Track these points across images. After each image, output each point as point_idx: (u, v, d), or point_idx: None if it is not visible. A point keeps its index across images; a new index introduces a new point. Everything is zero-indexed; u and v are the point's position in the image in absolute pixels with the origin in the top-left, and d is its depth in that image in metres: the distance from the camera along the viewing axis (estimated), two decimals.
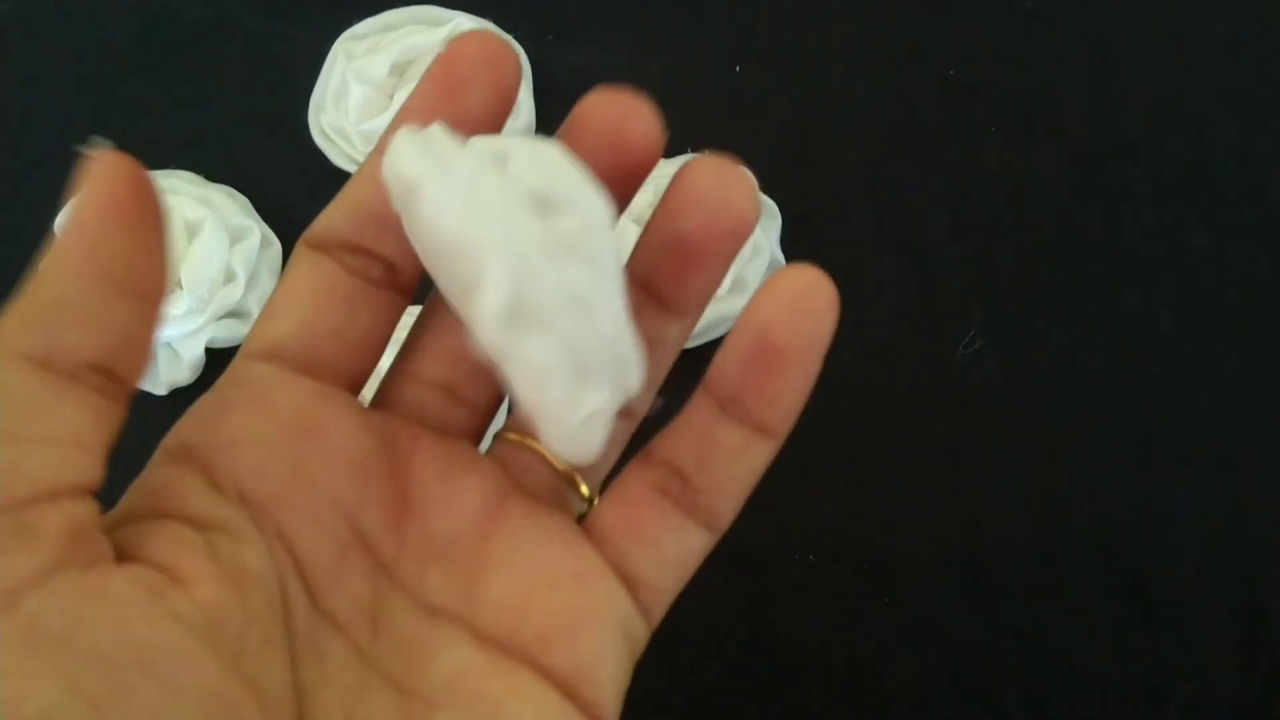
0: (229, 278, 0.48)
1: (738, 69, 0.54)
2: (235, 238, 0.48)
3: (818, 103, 0.54)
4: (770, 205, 0.50)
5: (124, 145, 0.47)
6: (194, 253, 0.46)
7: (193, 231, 0.47)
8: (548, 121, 0.52)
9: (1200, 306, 0.50)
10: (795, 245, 0.50)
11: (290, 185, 0.52)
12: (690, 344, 0.48)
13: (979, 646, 0.46)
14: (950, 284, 0.51)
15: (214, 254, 0.47)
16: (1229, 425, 0.48)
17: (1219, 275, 0.50)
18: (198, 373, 0.48)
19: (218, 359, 0.48)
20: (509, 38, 0.50)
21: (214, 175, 0.52)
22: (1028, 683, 0.45)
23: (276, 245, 0.50)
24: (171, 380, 0.48)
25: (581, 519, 0.25)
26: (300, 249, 0.24)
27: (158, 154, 0.51)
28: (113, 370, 0.21)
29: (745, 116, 0.54)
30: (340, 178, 0.50)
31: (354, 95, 0.49)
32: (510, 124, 0.49)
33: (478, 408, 0.26)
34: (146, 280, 0.21)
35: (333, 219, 0.24)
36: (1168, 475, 0.48)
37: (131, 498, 0.23)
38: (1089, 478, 0.48)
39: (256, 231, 0.49)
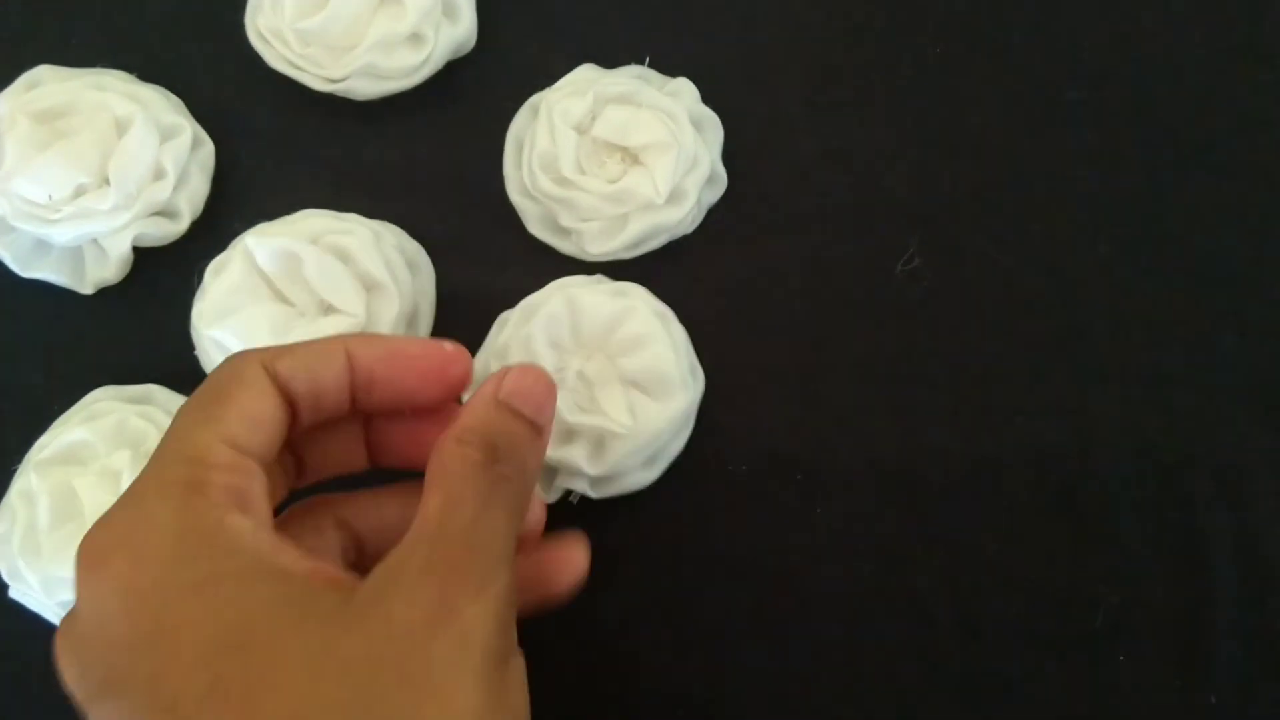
0: (158, 175, 0.47)
1: None
2: (166, 135, 0.47)
3: (762, 15, 0.54)
4: (712, 117, 0.50)
5: (57, 44, 0.47)
6: (122, 148, 0.46)
7: (122, 127, 0.46)
8: (490, 28, 0.52)
9: (1137, 230, 0.50)
10: (736, 158, 0.50)
11: (225, 86, 0.51)
12: (628, 255, 0.48)
13: (908, 558, 0.46)
14: (891, 200, 0.51)
15: (143, 150, 0.46)
16: (1161, 344, 0.48)
17: (1156, 200, 0.50)
18: (125, 271, 0.48)
19: (144, 258, 0.48)
20: None
21: (147, 76, 0.51)
22: (956, 592, 0.45)
23: (209, 145, 0.49)
24: (98, 279, 0.48)
25: None
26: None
27: (90, 54, 0.50)
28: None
29: (685, 27, 0.53)
30: (275, 79, 0.50)
31: None
32: (450, 26, 0.49)
33: None
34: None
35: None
36: (1100, 392, 0.48)
37: None
38: (1023, 394, 0.48)
39: (188, 130, 0.48)
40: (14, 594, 0.43)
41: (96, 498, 0.41)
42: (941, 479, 0.47)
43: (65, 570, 0.41)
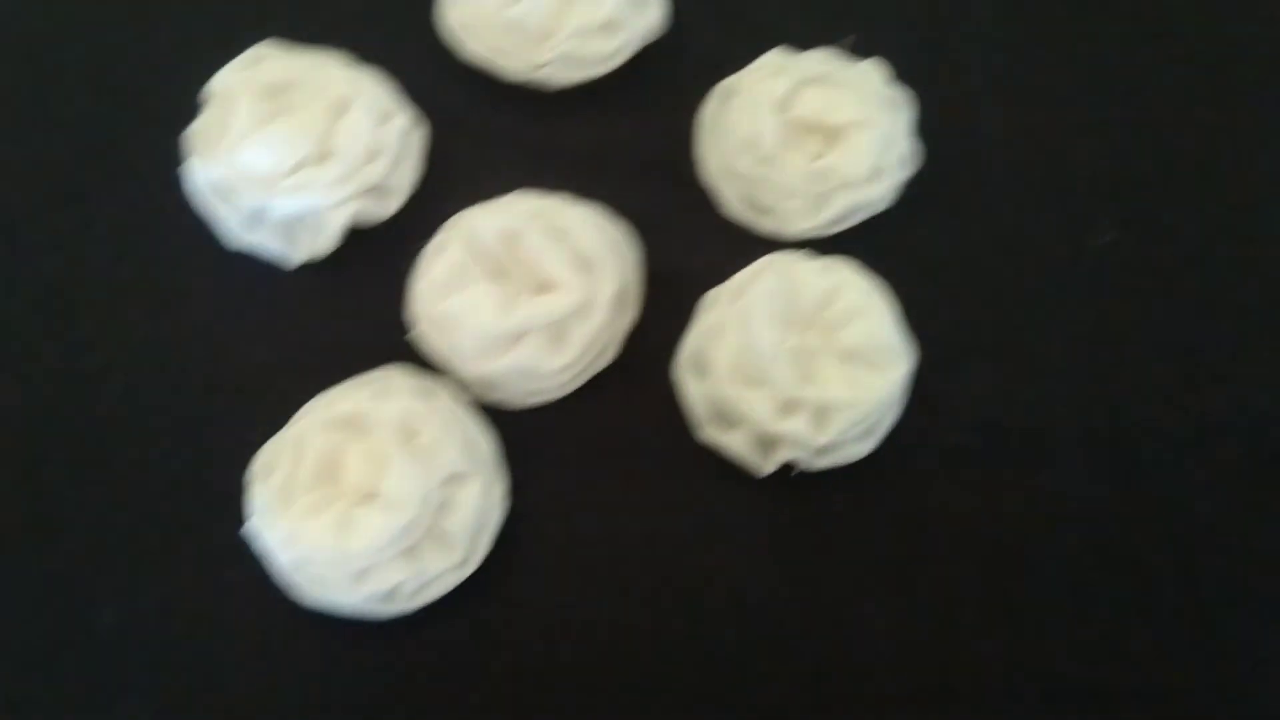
0: (374, 154, 0.48)
1: None
2: (383, 116, 0.48)
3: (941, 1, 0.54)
4: (901, 96, 0.51)
5: (264, 30, 0.48)
6: (345, 125, 0.47)
7: (342, 106, 0.47)
8: (679, 13, 0.53)
9: None
10: (929, 136, 0.51)
11: (424, 74, 0.52)
12: (827, 232, 0.48)
13: (1127, 524, 0.45)
14: (1083, 175, 0.51)
15: (362, 129, 0.47)
16: None
17: None
18: (335, 246, 0.48)
19: (354, 238, 0.48)
20: None
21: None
22: (1177, 556, 0.45)
23: (422, 130, 0.50)
24: (309, 252, 0.48)
25: None
26: None
27: (296, 39, 0.51)
28: None
29: (871, 9, 0.54)
30: (472, 70, 0.51)
31: None
32: (641, 15, 0.50)
33: None
34: None
35: None
36: None
37: None
38: (1229, 363, 0.48)
39: (405, 112, 0.49)
40: (251, 528, 0.43)
41: (358, 471, 0.42)
42: (1155, 446, 0.47)
43: (306, 529, 0.41)
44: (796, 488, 0.45)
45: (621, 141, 0.52)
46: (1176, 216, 0.51)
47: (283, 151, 0.46)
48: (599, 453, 0.46)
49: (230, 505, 0.44)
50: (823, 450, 0.45)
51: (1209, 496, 0.46)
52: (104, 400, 0.47)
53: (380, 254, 0.49)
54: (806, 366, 0.45)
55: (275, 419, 0.45)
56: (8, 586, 0.44)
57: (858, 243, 0.49)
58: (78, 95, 0.52)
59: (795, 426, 0.44)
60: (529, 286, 0.46)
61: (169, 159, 0.49)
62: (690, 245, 0.50)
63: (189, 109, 0.49)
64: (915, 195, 0.50)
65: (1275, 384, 0.48)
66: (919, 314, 0.47)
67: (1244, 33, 0.53)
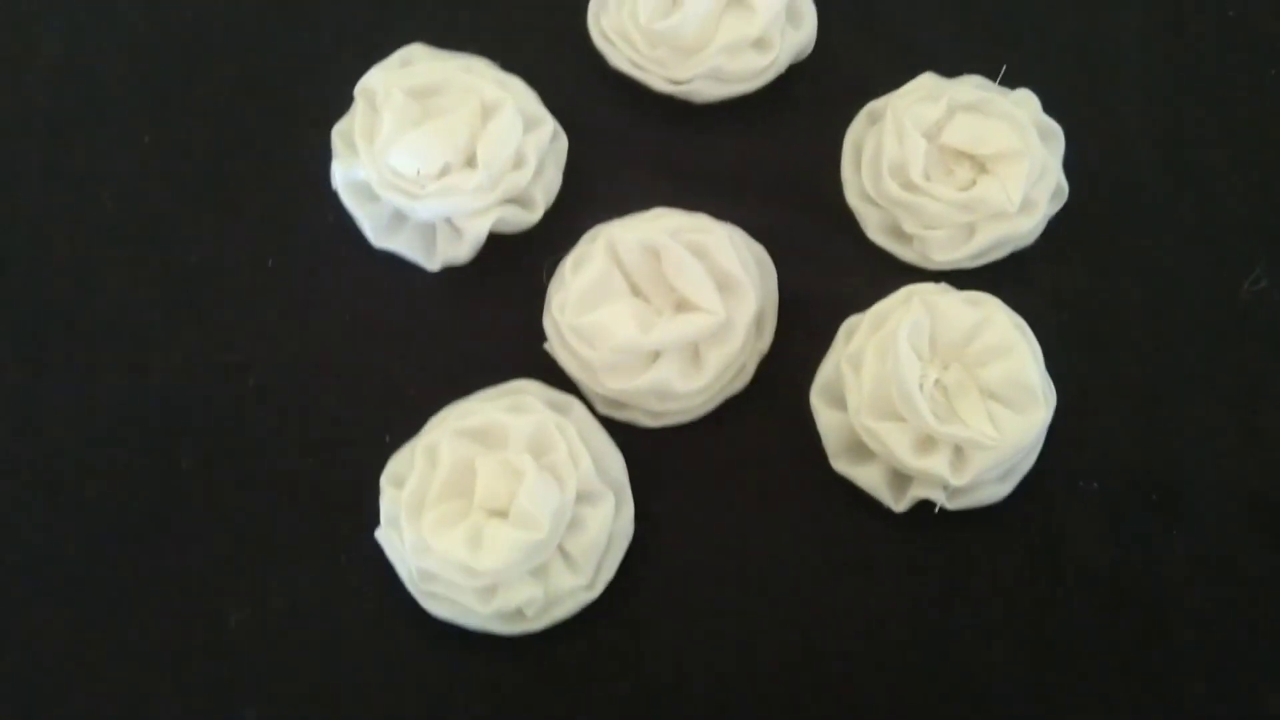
0: (519, 163, 0.47)
1: None
2: (529, 125, 0.48)
3: (1097, 31, 0.53)
4: (1054, 127, 0.49)
5: (413, 34, 0.48)
6: (491, 131, 0.47)
7: (489, 112, 0.47)
8: (824, 34, 0.52)
9: None
10: (1077, 169, 0.49)
11: (568, 83, 0.52)
12: (972, 264, 0.47)
13: (1270, 579, 0.44)
14: (1236, 217, 0.50)
15: (509, 136, 0.47)
16: None
17: None
18: (475, 252, 0.48)
19: (489, 243, 0.48)
20: None
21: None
22: None
23: (564, 138, 0.50)
24: (448, 258, 0.48)
25: None
26: None
27: (441, 44, 0.51)
28: None
29: (1024, 41, 0.53)
30: (617, 80, 0.51)
31: None
32: (793, 31, 0.49)
33: None
34: None
35: None
36: None
37: None
38: None
39: (550, 122, 0.48)
40: (381, 535, 0.43)
41: (490, 485, 0.42)
42: None
43: (437, 542, 0.41)
44: (929, 526, 0.44)
45: (765, 160, 0.51)
46: None
47: (429, 156, 0.46)
48: (729, 478, 0.46)
49: (361, 510, 0.44)
50: (959, 491, 0.44)
51: None
52: (240, 398, 0.47)
53: (519, 262, 0.49)
54: (947, 403, 0.44)
55: (409, 424, 0.45)
56: (137, 584, 0.45)
57: (1000, 276, 0.48)
58: (225, 89, 0.53)
59: (933, 465, 0.43)
60: (668, 304, 0.46)
61: (316, 156, 0.49)
62: (829, 269, 0.49)
63: (338, 106, 0.49)
64: (1061, 231, 0.49)
65: None
66: (1059, 354, 0.46)
67: None
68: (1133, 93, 0.52)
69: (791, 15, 0.51)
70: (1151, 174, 0.51)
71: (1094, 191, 0.50)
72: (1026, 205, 0.48)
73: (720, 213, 0.49)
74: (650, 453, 0.46)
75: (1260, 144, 0.51)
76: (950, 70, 0.51)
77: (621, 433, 0.46)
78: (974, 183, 0.48)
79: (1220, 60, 0.52)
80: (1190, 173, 0.51)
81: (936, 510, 0.44)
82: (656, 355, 0.45)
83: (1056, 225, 0.49)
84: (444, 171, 0.47)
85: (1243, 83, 0.52)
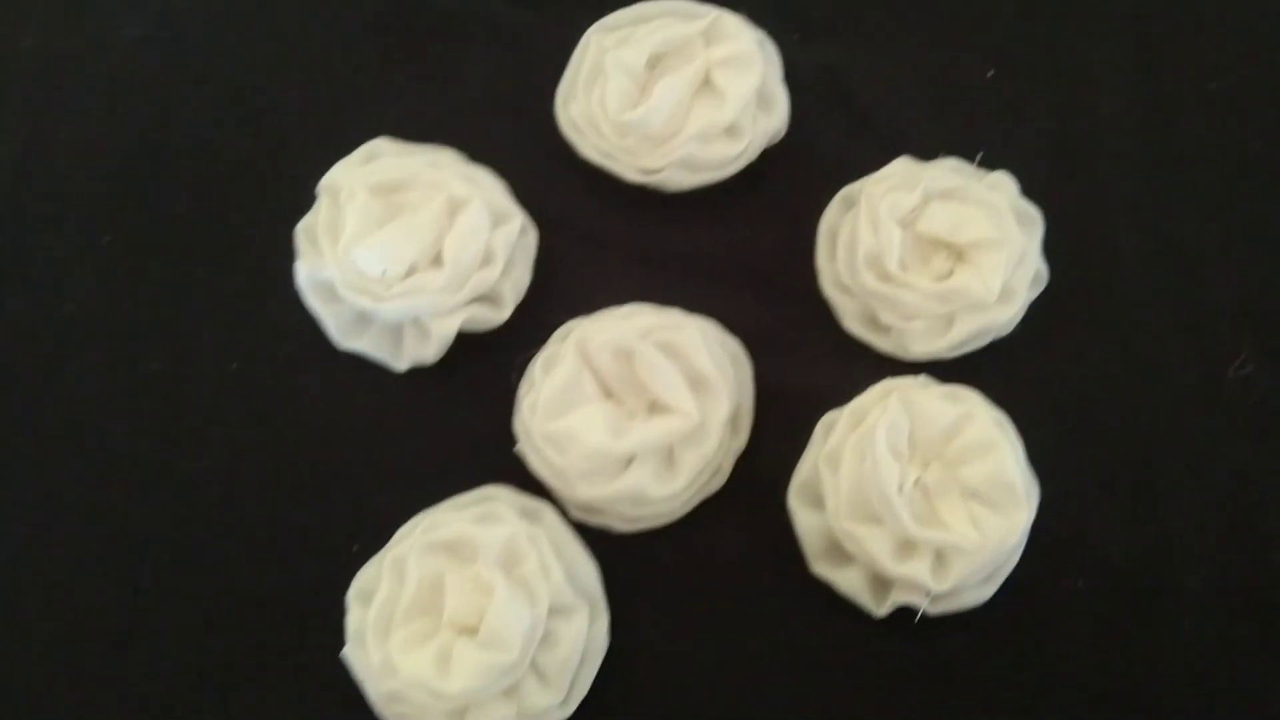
0: (487, 259, 0.46)
1: (991, 73, 0.53)
2: (497, 220, 0.47)
3: (1075, 111, 0.52)
4: (1033, 212, 0.49)
5: (377, 127, 0.47)
6: (458, 230, 0.46)
7: (457, 208, 0.46)
8: (799, 117, 0.51)
9: None
10: (1057, 254, 0.48)
11: (537, 174, 0.51)
12: (952, 354, 0.46)
13: (1262, 677, 0.43)
14: (1219, 300, 0.49)
15: (477, 233, 0.46)
16: None
17: None
18: (443, 352, 0.47)
19: (461, 343, 0.47)
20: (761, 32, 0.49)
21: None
22: None
23: (534, 232, 0.49)
24: (415, 357, 0.47)
25: None
26: None
27: (409, 135, 0.50)
28: None
29: (1001, 122, 0.52)
30: (586, 170, 0.50)
31: (613, 84, 0.48)
32: (764, 117, 0.48)
33: None
34: None
35: None
36: None
37: None
38: None
39: (518, 217, 0.48)
40: (347, 654, 0.42)
41: (460, 602, 0.40)
42: None
43: (404, 663, 0.40)
44: (911, 629, 0.43)
45: (740, 248, 0.50)
46: None
47: (394, 256, 0.45)
48: (706, 582, 0.45)
49: (329, 626, 0.43)
50: (940, 597, 0.43)
51: None
52: (204, 506, 0.46)
53: (489, 360, 0.48)
54: (927, 504, 0.43)
55: (378, 532, 0.44)
56: (102, 698, 0.43)
57: (981, 365, 0.47)
58: (187, 188, 0.52)
59: (914, 570, 0.42)
60: (641, 405, 0.45)
61: (281, 254, 0.48)
62: (806, 361, 0.48)
63: (304, 201, 0.48)
64: (1043, 316, 0.48)
65: None
66: (1043, 445, 0.45)
67: None
68: (1114, 172, 0.51)
69: (763, 100, 0.50)
70: (1134, 256, 0.50)
71: (1075, 275, 0.49)
72: (1005, 294, 0.47)
73: (694, 304, 0.48)
74: (626, 558, 0.45)
75: (1244, 223, 0.50)
76: (927, 152, 0.50)
77: (596, 538, 0.45)
78: (951, 271, 0.47)
79: (1203, 137, 0.51)
80: (1173, 254, 0.50)
81: (918, 617, 0.42)
82: (630, 459, 0.44)
83: (1037, 310, 0.48)
84: (410, 271, 0.46)
85: (1226, 160, 0.51)
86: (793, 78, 0.52)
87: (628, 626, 0.44)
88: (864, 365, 0.47)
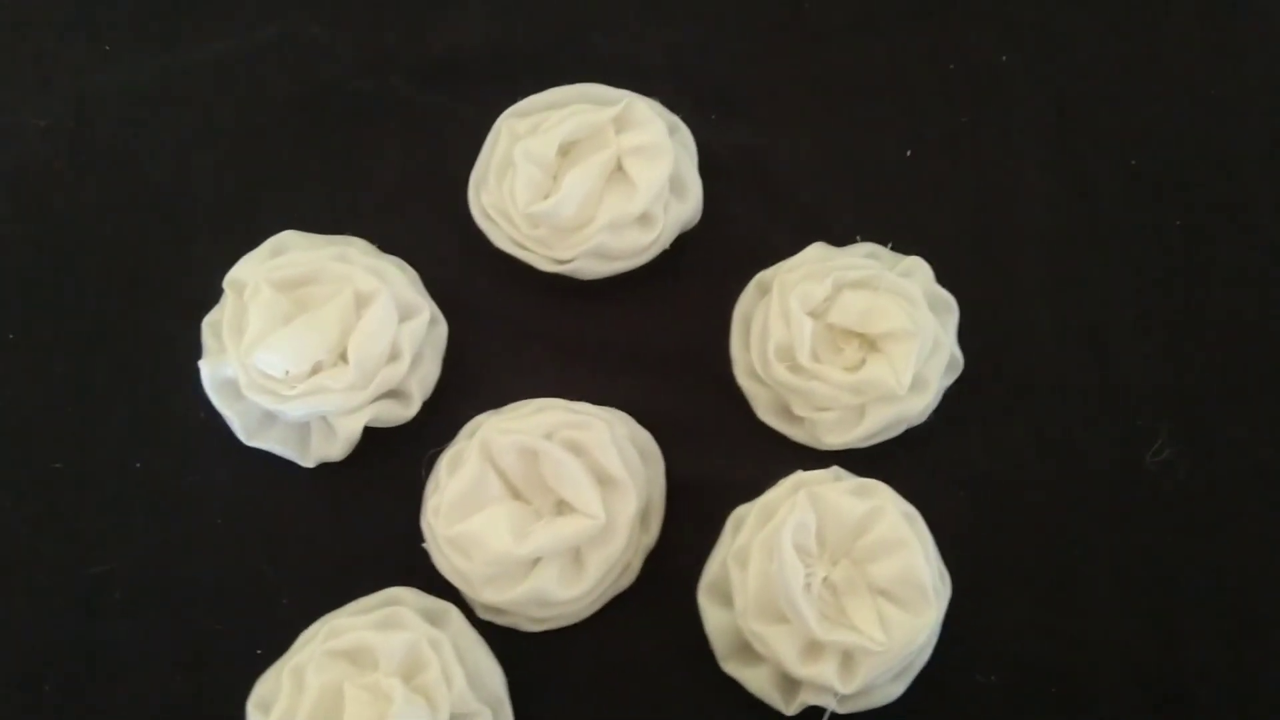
0: (394, 355, 0.46)
1: (909, 154, 0.52)
2: (405, 314, 0.47)
3: (994, 191, 0.52)
4: (947, 298, 0.48)
5: (288, 217, 0.47)
6: (364, 326, 0.45)
7: (363, 302, 0.46)
8: (715, 201, 0.51)
9: None
10: (972, 339, 0.48)
11: (450, 262, 0.50)
12: (865, 444, 0.46)
13: None
14: (1137, 384, 0.49)
15: (383, 330, 0.45)
16: None
17: None
18: (350, 449, 0.47)
19: (370, 437, 0.47)
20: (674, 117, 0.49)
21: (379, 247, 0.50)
22: None
23: (443, 325, 0.48)
24: (322, 454, 0.47)
25: None
26: None
27: (320, 224, 0.49)
28: None
29: (918, 203, 0.52)
30: (500, 259, 0.49)
31: (521, 175, 0.48)
32: (678, 204, 0.48)
33: None
34: None
35: None
36: None
37: None
38: None
39: (426, 310, 0.47)
40: None
41: (359, 712, 0.40)
42: (1206, 687, 0.44)
43: None
44: None
45: (654, 336, 0.50)
46: (1238, 431, 0.47)
47: (298, 355, 0.45)
48: (616, 681, 0.45)
49: None
50: (850, 696, 0.42)
51: None
52: (107, 609, 0.46)
53: (398, 456, 0.47)
54: (836, 602, 0.42)
55: (283, 634, 0.44)
56: None
57: (895, 454, 0.47)
58: (91, 283, 0.51)
59: (821, 671, 0.41)
60: (548, 505, 0.44)
61: (187, 349, 0.48)
62: (720, 452, 0.48)
63: (211, 297, 0.48)
64: (959, 403, 0.48)
65: None
66: (957, 536, 0.45)
67: None
68: (1031, 254, 0.51)
69: (676, 187, 0.50)
70: (1050, 339, 0.50)
71: (992, 360, 0.49)
72: (918, 384, 0.46)
73: (607, 395, 0.47)
74: (535, 658, 0.45)
75: (1162, 304, 0.50)
76: (844, 235, 0.50)
77: (504, 637, 0.44)
78: (864, 361, 0.47)
79: (1122, 216, 0.51)
80: (1090, 337, 0.49)
81: (826, 717, 0.42)
82: (536, 560, 0.43)
83: (953, 397, 0.48)
84: (315, 369, 0.45)
85: (1146, 239, 0.51)
86: (709, 160, 0.51)
87: None
88: (778, 455, 0.47)
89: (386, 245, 0.50)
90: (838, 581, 0.43)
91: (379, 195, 0.52)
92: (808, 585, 0.42)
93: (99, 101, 0.54)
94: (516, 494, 0.44)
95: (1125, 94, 0.54)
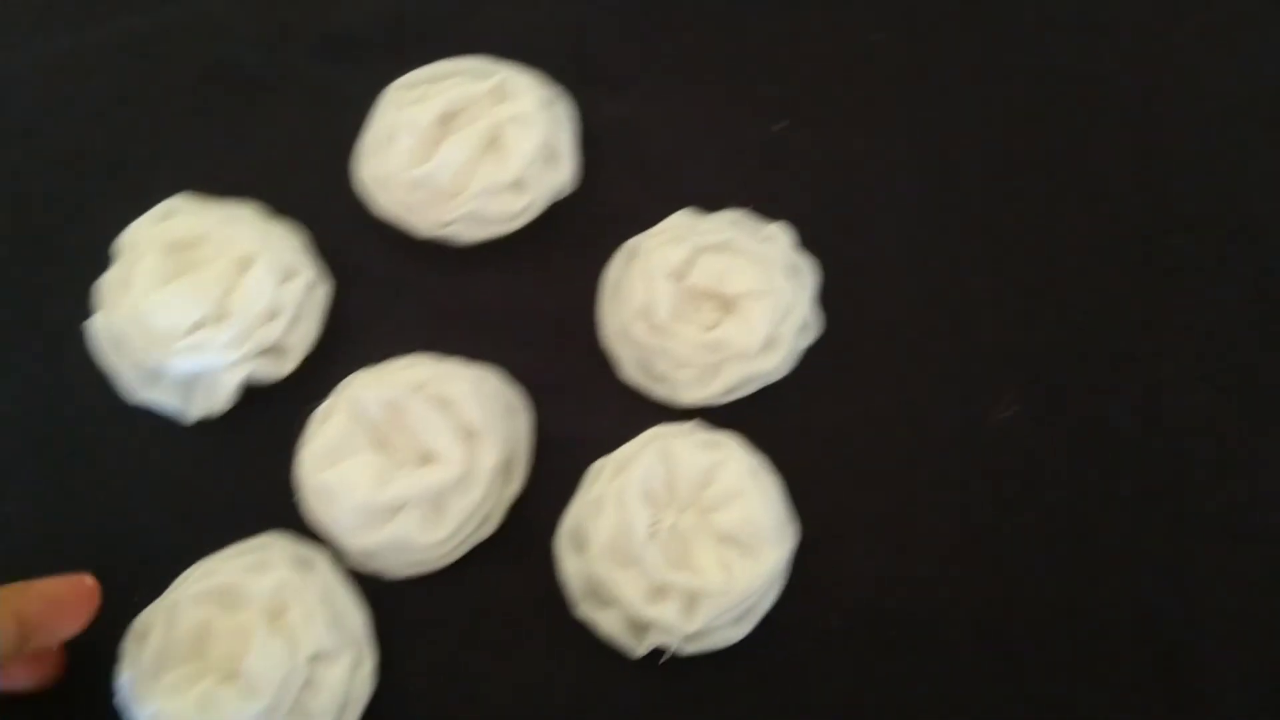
0: (273, 314, 0.48)
1: (780, 126, 0.55)
2: (285, 275, 0.49)
3: (859, 161, 0.54)
4: (804, 264, 0.50)
5: (184, 183, 0.49)
6: (244, 286, 0.47)
7: (245, 264, 0.48)
8: (594, 170, 0.53)
9: (1243, 383, 0.49)
10: (833, 303, 0.50)
11: (337, 227, 0.53)
12: (722, 400, 0.48)
13: (1008, 703, 0.45)
14: (989, 346, 0.51)
15: (261, 291, 0.48)
16: (1269, 502, 0.47)
17: (1261, 351, 0.49)
18: (230, 404, 0.49)
19: (249, 396, 0.49)
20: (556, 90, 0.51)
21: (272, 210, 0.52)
22: None
23: (324, 288, 0.51)
24: (204, 410, 0.49)
25: None
26: None
27: (217, 189, 0.52)
28: None
29: (785, 172, 0.54)
30: (383, 224, 0.52)
31: (401, 143, 0.50)
32: (550, 174, 0.50)
33: None
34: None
35: None
36: (1206, 552, 0.47)
37: None
38: (1125, 549, 0.47)
39: (307, 272, 0.49)
40: (120, 700, 0.44)
41: (224, 648, 0.43)
42: (1041, 636, 0.46)
43: (172, 709, 0.42)
44: (672, 670, 0.45)
45: (527, 300, 0.52)
46: (1081, 390, 0.50)
47: (180, 311, 0.47)
48: (474, 626, 0.47)
49: (110, 669, 0.44)
50: (693, 637, 0.44)
51: (1092, 701, 0.45)
52: None
53: (275, 413, 0.49)
54: (680, 549, 0.45)
55: (160, 579, 0.46)
56: None
57: (751, 411, 0.49)
58: None
59: (664, 613, 0.44)
60: (412, 457, 0.46)
61: (80, 310, 0.50)
62: (585, 410, 0.50)
63: (105, 259, 0.50)
64: (815, 363, 0.50)
65: (1171, 573, 0.46)
66: (806, 489, 0.47)
67: (1152, 196, 0.53)
68: (893, 224, 0.53)
69: (549, 156, 0.52)
70: (907, 304, 0.52)
71: (850, 323, 0.51)
72: (771, 343, 0.49)
73: (480, 355, 0.50)
74: (399, 603, 0.47)
75: (1016, 271, 0.52)
76: (713, 203, 0.52)
77: (371, 584, 0.46)
78: (719, 322, 0.49)
79: (980, 185, 0.53)
80: (945, 301, 0.51)
81: (664, 659, 0.44)
82: (399, 508, 0.46)
83: (813, 357, 0.50)
84: (196, 327, 0.48)
85: (1002, 207, 0.53)
86: (590, 132, 0.54)
87: (398, 670, 0.46)
88: (640, 413, 0.49)
89: (278, 210, 0.52)
90: (684, 529, 0.45)
91: (273, 163, 0.54)
92: (654, 531, 0.44)
93: (7, 80, 0.56)
94: (383, 446, 0.47)
95: (985, 64, 0.56)
